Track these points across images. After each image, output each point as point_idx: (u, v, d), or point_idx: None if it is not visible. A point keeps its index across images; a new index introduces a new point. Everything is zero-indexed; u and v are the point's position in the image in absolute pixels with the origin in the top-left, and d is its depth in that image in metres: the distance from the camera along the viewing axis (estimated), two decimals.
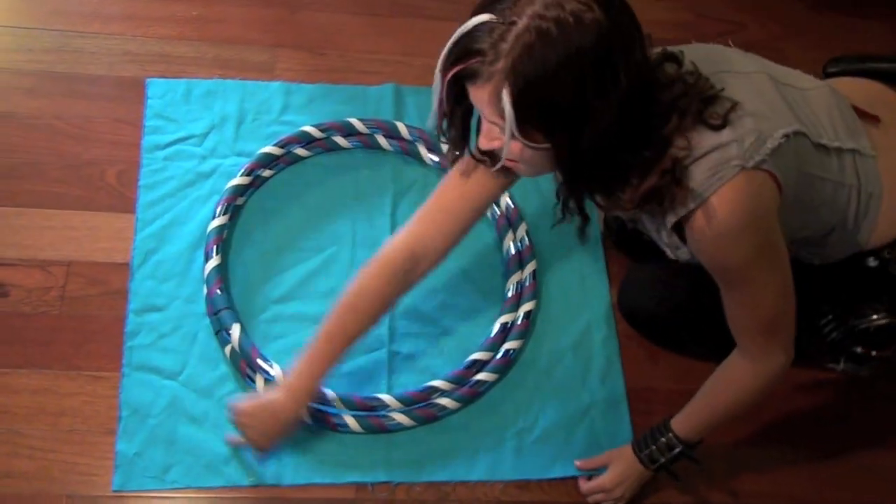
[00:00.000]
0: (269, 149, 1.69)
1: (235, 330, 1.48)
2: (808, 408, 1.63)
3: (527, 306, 1.60)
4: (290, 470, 1.43)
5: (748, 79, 1.17)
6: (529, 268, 1.64)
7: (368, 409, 1.47)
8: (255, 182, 1.67)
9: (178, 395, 1.46)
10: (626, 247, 1.70)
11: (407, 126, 1.76)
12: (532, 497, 1.48)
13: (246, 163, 1.67)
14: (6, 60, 1.75)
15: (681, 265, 1.29)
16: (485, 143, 1.09)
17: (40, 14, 1.82)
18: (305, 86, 1.83)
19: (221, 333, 1.50)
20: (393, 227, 1.68)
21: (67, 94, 1.73)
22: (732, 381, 1.30)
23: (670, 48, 1.15)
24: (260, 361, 1.46)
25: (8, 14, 1.82)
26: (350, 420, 1.45)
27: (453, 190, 1.33)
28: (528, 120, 1.01)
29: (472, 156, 1.18)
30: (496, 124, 1.04)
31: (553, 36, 0.96)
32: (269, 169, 1.69)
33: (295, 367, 1.35)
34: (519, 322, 1.59)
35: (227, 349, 1.49)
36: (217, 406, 1.46)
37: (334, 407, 1.46)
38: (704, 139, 1.09)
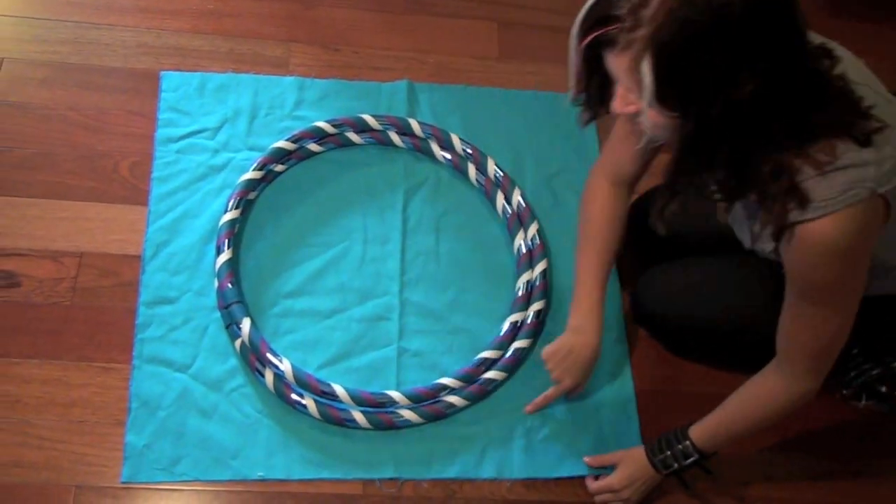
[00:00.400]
0: (281, 144, 1.69)
1: (246, 324, 1.48)
2: (820, 417, 1.61)
3: (537, 305, 1.60)
4: (297, 464, 1.43)
5: (889, 104, 1.12)
6: (540, 267, 1.64)
7: (377, 406, 1.47)
8: (267, 177, 1.67)
9: (187, 388, 1.46)
10: (641, 247, 1.68)
11: (419, 123, 1.76)
12: (539, 496, 1.48)
13: (258, 157, 1.67)
14: (20, 51, 1.75)
15: (716, 276, 1.25)
16: (620, 107, 1.05)
17: (55, 5, 1.83)
18: (319, 81, 1.83)
19: (232, 327, 1.50)
20: (404, 224, 1.68)
21: (82, 85, 1.73)
22: (763, 395, 1.28)
23: (828, 44, 1.07)
24: (269, 356, 1.46)
25: (23, 4, 1.82)
26: (358, 416, 1.45)
27: (623, 136, 1.37)
28: (668, 90, 0.95)
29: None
30: (633, 91, 1.00)
31: (698, 1, 0.90)
32: (282, 164, 1.69)
33: (578, 306, 1.41)
34: (529, 321, 1.59)
35: (238, 343, 1.49)
36: (226, 399, 1.46)
37: (343, 402, 1.46)
38: (848, 152, 1.04)
